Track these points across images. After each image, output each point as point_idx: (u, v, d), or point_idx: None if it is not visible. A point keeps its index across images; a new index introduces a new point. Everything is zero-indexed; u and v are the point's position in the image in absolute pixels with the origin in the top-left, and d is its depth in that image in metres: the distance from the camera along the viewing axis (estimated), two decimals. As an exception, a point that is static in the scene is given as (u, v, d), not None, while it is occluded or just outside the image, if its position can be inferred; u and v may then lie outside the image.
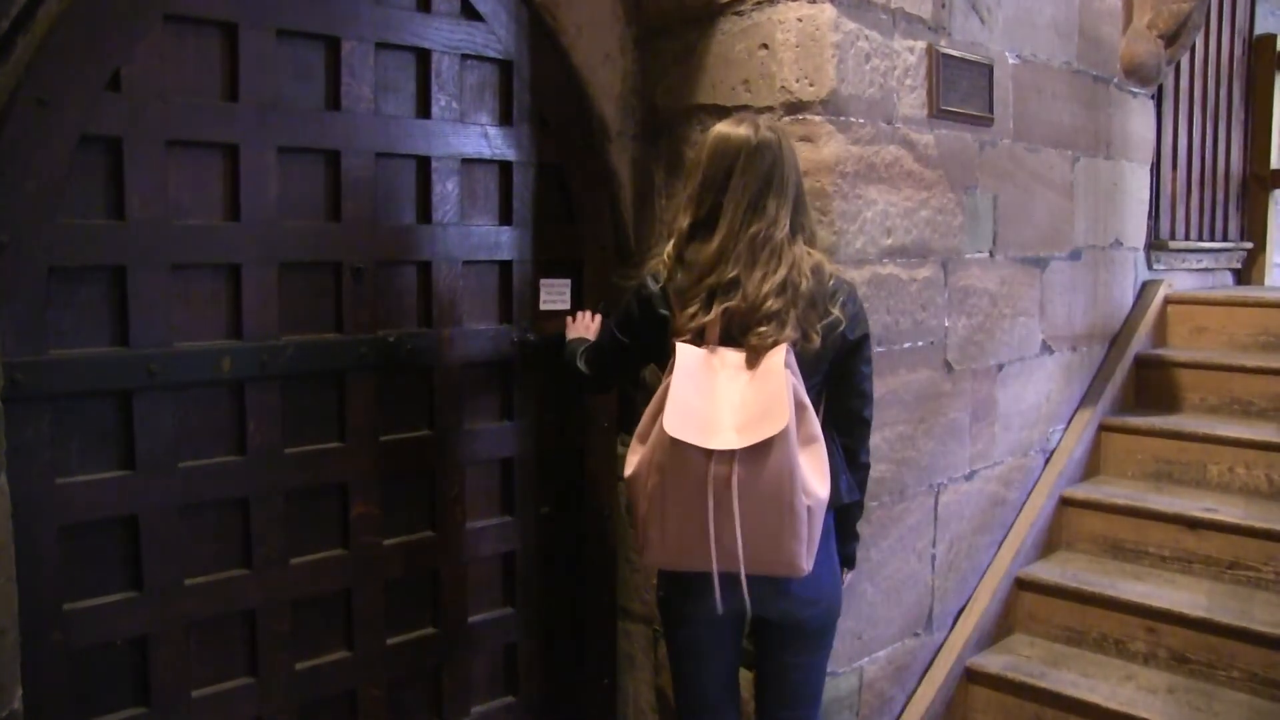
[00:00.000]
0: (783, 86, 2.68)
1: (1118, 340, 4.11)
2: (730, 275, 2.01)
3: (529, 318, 2.80)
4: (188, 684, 2.26)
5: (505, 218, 2.76)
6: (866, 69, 2.75)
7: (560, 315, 2.79)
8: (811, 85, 2.65)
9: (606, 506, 3.03)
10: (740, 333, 2.03)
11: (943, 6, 3.00)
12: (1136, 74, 3.99)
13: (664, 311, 2.10)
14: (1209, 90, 4.76)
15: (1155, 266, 4.39)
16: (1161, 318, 4.29)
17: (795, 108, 2.67)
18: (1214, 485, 3.68)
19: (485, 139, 2.70)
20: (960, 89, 3.08)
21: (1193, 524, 3.44)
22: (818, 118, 2.65)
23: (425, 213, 2.58)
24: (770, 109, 2.72)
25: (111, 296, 2.10)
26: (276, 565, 2.37)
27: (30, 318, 1.99)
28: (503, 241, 2.74)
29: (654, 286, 2.13)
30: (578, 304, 2.86)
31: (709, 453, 1.93)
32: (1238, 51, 4.93)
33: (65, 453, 2.07)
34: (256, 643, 2.36)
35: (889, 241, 2.86)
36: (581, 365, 2.44)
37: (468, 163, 2.66)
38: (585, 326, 2.66)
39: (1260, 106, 5.09)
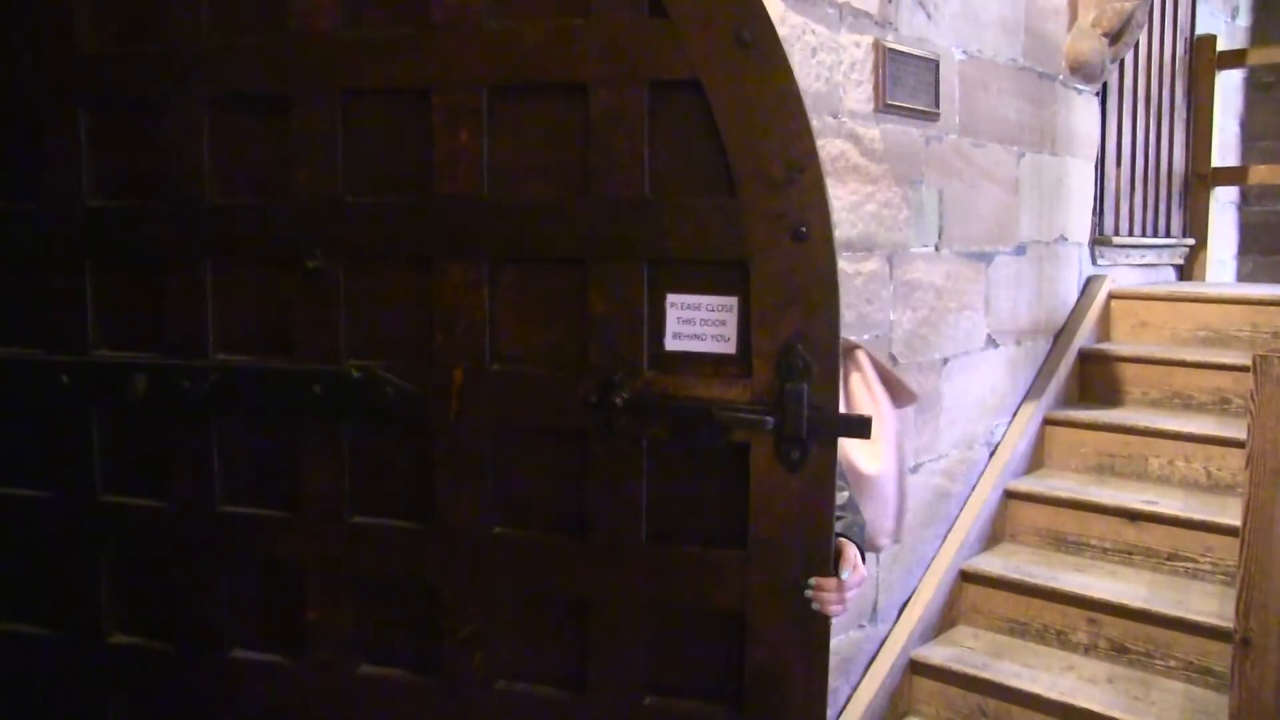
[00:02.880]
0: (729, 79, 2.66)
1: (1062, 335, 4.15)
2: None
3: (630, 361, 1.60)
4: None
5: (578, 182, 1.62)
6: (813, 63, 2.75)
7: (704, 360, 1.59)
8: (757, 78, 2.63)
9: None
10: None
11: (890, 2, 3.01)
12: (1081, 71, 4.04)
13: None
14: (1152, 88, 4.82)
15: (1099, 262, 4.45)
16: (1105, 313, 4.34)
17: (741, 100, 2.66)
18: (1154, 478, 3.73)
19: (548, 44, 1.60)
20: (907, 84, 3.10)
21: (1133, 516, 3.49)
22: (763, 111, 2.63)
23: (425, 178, 1.66)
24: (716, 101, 2.69)
25: (33, 292, 1.87)
26: (208, 648, 1.85)
27: None
28: (573, 224, 1.63)
29: None
30: (746, 339, 1.57)
31: None
32: (1180, 51, 5.00)
33: None
34: None
35: (835, 235, 2.86)
36: None
37: (501, 91, 1.63)
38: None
39: (1202, 105, 5.16)
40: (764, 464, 1.58)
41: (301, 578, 1.77)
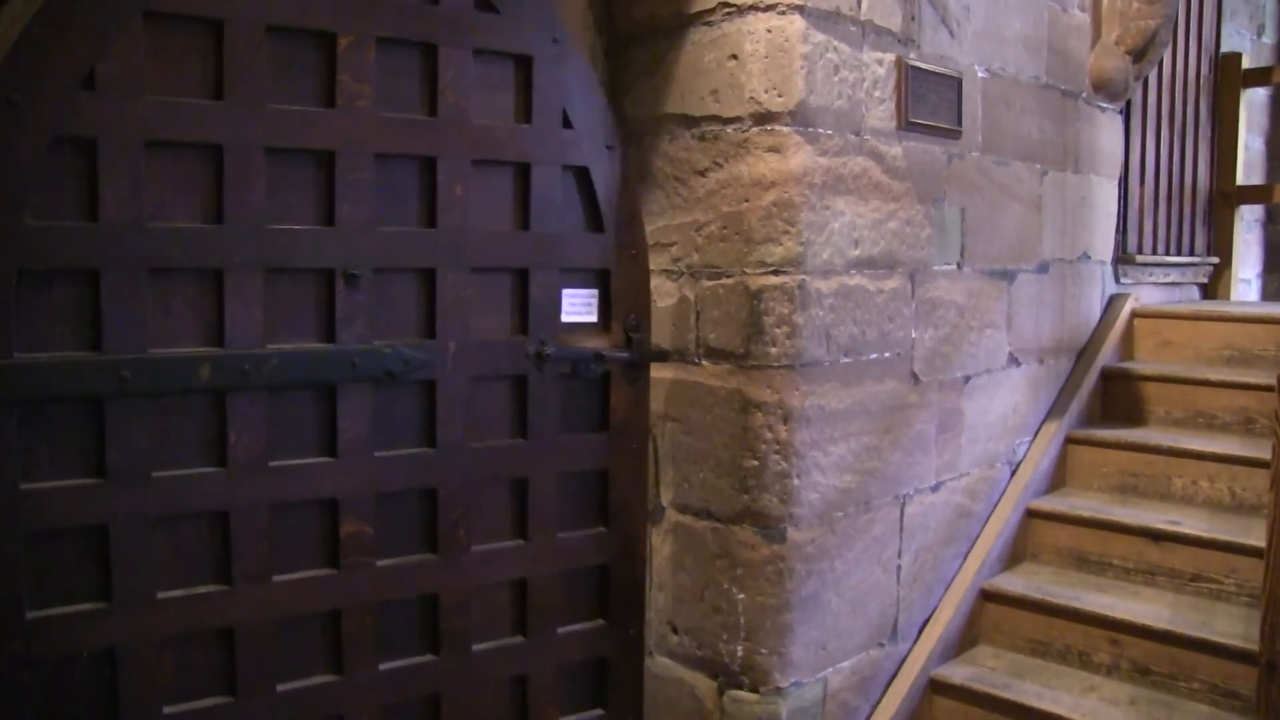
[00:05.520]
0: (751, 97, 2.69)
1: (1085, 353, 4.13)
2: None
3: (549, 330, 2.68)
4: (159, 701, 2.19)
5: (522, 222, 2.64)
6: (835, 80, 2.76)
7: (581, 326, 2.74)
8: (780, 96, 2.66)
9: (634, 533, 2.88)
10: None
11: (912, 19, 3.01)
12: (1105, 89, 4.03)
13: None
14: (1176, 106, 4.81)
15: (1122, 280, 4.43)
16: (1128, 331, 4.32)
17: (763, 118, 2.68)
18: (1178, 498, 3.71)
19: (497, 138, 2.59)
20: (929, 102, 3.10)
21: (1156, 536, 3.46)
22: (786, 128, 2.66)
23: (430, 214, 2.48)
24: (738, 119, 2.72)
25: (83, 301, 2.07)
26: (257, 582, 2.29)
27: None
28: (519, 248, 2.63)
29: None
30: (606, 316, 2.78)
31: None
32: (1204, 69, 4.98)
33: (33, 458, 2.04)
34: (236, 663, 2.28)
35: (856, 253, 2.87)
36: None
37: (480, 162, 2.55)
38: None
39: (1226, 123, 5.14)
40: (618, 381, 2.82)
41: (335, 505, 2.39)
